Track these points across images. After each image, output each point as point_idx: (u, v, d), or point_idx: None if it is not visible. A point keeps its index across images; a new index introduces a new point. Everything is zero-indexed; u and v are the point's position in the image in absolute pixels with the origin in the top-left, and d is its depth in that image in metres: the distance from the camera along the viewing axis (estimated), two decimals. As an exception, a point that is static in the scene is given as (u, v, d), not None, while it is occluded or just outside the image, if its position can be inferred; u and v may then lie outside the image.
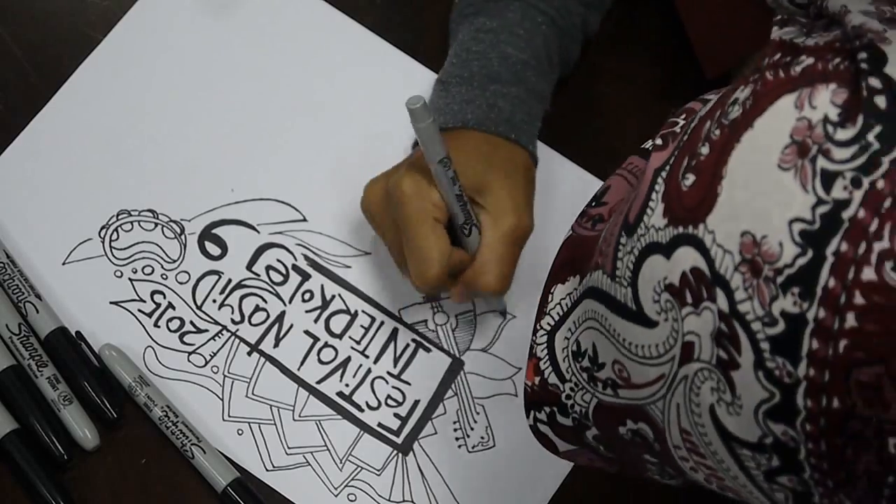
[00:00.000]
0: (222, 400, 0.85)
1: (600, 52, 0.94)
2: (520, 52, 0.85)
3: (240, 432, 0.84)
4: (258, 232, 0.88)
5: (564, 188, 0.90)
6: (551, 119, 0.89)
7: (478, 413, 0.86)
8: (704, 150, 0.49)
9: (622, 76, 0.95)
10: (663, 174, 0.51)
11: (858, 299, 0.44)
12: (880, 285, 0.44)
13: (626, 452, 0.57)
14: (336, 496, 0.83)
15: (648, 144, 0.59)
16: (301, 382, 0.86)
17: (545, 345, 0.59)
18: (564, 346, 0.58)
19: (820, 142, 0.45)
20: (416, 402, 0.86)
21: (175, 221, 0.88)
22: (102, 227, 0.88)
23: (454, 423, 0.85)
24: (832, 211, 0.44)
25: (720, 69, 0.90)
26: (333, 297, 0.87)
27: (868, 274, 0.44)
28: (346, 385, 0.86)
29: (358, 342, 0.87)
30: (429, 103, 0.81)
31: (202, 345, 0.86)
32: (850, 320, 0.44)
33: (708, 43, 0.92)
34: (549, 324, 0.59)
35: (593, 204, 0.61)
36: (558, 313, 0.59)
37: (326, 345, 0.86)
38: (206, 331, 0.86)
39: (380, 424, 0.85)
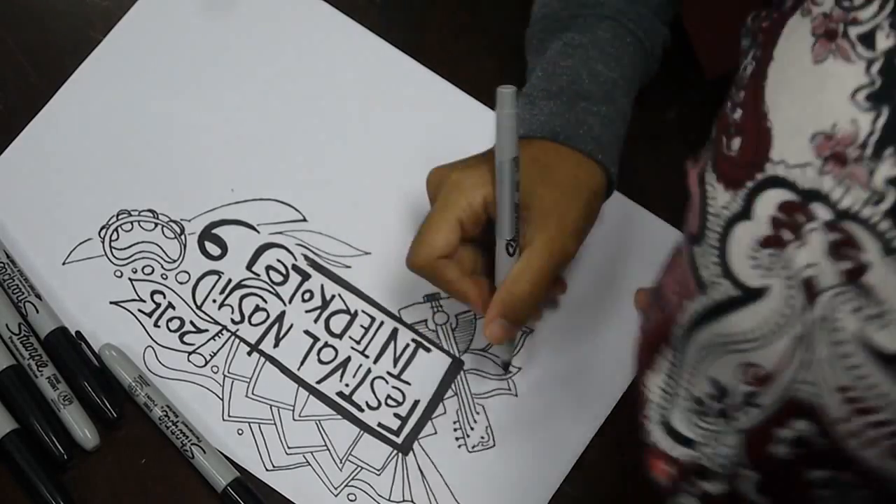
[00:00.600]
0: (222, 400, 0.85)
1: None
2: (610, 71, 0.83)
3: (240, 432, 0.84)
4: (258, 232, 0.88)
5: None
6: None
7: (478, 413, 0.86)
8: (737, 114, 0.49)
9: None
10: (707, 171, 0.51)
11: None
12: None
13: (790, 489, 0.54)
14: (336, 496, 0.83)
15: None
16: (301, 382, 0.86)
17: (663, 433, 0.57)
18: (683, 418, 0.56)
19: (842, 19, 0.45)
20: (416, 402, 0.86)
21: (175, 221, 0.88)
22: (102, 227, 0.88)
23: (454, 422, 0.85)
24: (886, 61, 0.44)
25: (720, 69, 0.90)
26: (333, 296, 0.87)
27: None
28: (346, 385, 0.86)
29: (358, 342, 0.87)
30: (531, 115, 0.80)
31: (202, 345, 0.86)
32: None
33: (708, 43, 0.91)
34: (658, 413, 0.57)
35: (653, 300, 0.60)
36: (664, 398, 0.57)
37: (326, 345, 0.86)
38: (206, 331, 0.86)
39: (380, 424, 0.85)
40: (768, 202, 0.48)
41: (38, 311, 0.84)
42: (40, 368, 0.83)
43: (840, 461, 0.51)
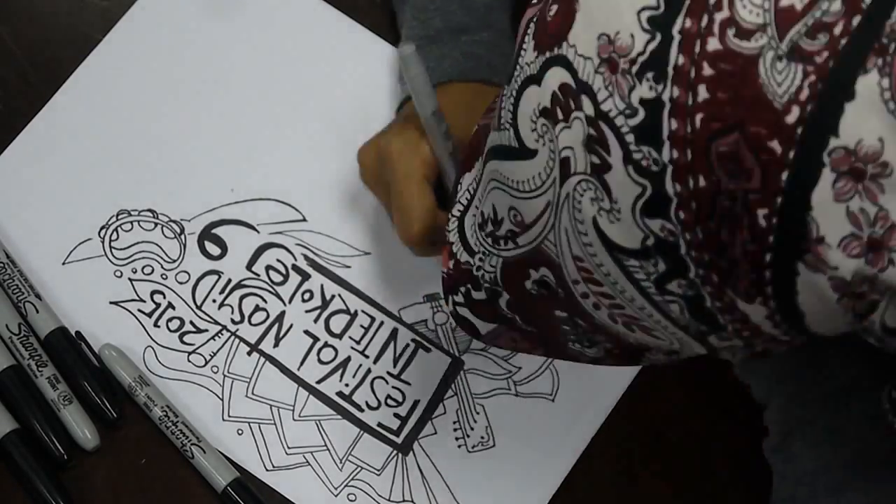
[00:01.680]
0: (222, 400, 0.85)
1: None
2: None
3: (240, 432, 0.84)
4: (258, 232, 0.88)
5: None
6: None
7: (478, 413, 0.86)
8: None
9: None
10: (534, 19, 0.54)
11: (707, 70, 0.46)
12: (725, 53, 0.46)
13: (538, 317, 0.59)
14: (336, 496, 0.83)
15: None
16: (301, 382, 0.86)
17: (456, 229, 0.62)
18: (472, 224, 0.60)
19: None
20: (416, 402, 0.86)
21: (175, 221, 0.88)
22: (102, 227, 0.88)
23: (454, 422, 0.85)
24: None
25: None
26: (333, 296, 0.87)
27: (713, 44, 0.46)
28: (346, 385, 0.86)
29: (358, 342, 0.87)
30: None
31: (202, 345, 0.86)
32: (702, 93, 0.47)
33: None
34: (459, 210, 0.62)
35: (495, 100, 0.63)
36: (466, 198, 0.61)
37: (326, 345, 0.86)
38: (206, 331, 0.86)
39: (380, 424, 0.85)
40: (554, 77, 0.51)
41: (37, 311, 0.84)
42: (40, 368, 0.83)
43: (576, 310, 0.56)
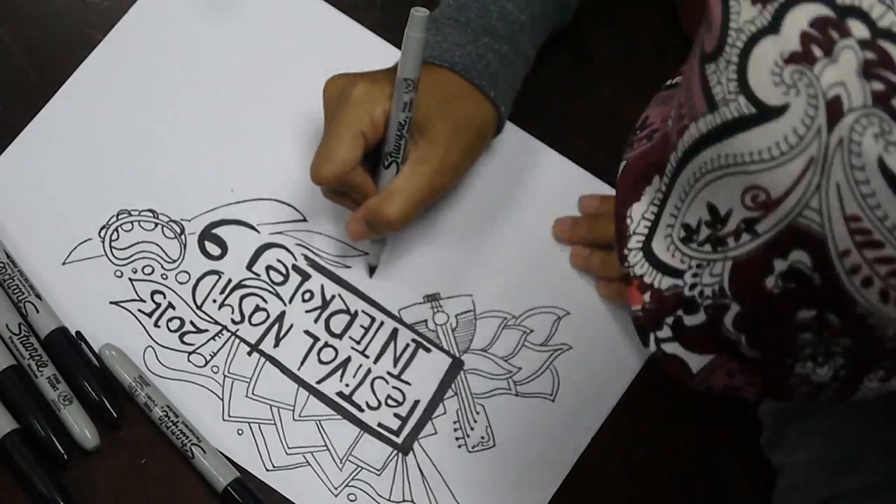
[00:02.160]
0: (222, 400, 0.85)
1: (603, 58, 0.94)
2: (520, 13, 0.85)
3: (240, 432, 0.84)
4: (258, 232, 0.88)
5: (548, 178, 0.90)
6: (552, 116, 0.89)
7: (478, 413, 0.86)
8: None
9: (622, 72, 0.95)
10: None
11: None
12: None
13: (773, 328, 0.53)
14: (336, 496, 0.83)
15: (668, 82, 0.60)
16: (301, 382, 0.85)
17: (642, 260, 0.57)
18: (668, 244, 0.55)
19: None
20: (416, 402, 0.86)
21: (175, 221, 0.88)
22: (102, 227, 0.88)
23: (454, 423, 0.85)
24: None
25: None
26: (333, 297, 0.87)
27: None
28: (346, 385, 0.86)
29: (358, 342, 0.87)
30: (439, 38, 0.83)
31: (202, 345, 0.86)
32: None
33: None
34: (638, 241, 0.57)
35: (638, 131, 0.61)
36: (646, 226, 0.57)
37: (326, 345, 0.86)
38: (206, 331, 0.86)
39: (380, 424, 0.85)
40: (800, 17, 0.46)
41: (38, 311, 0.84)
42: (40, 368, 0.83)
43: (831, 301, 0.50)
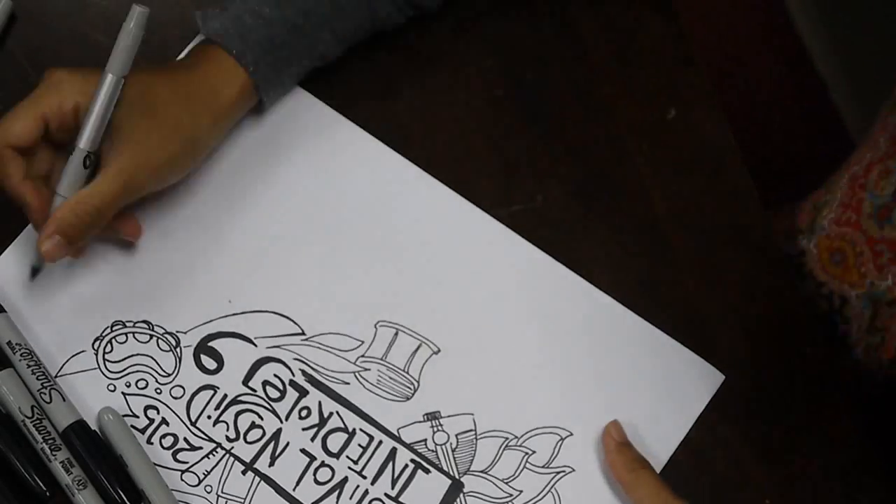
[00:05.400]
0: (215, 520, 0.83)
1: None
2: None
3: (233, 555, 0.82)
4: (255, 345, 0.86)
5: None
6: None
7: (477, 538, 0.84)
8: None
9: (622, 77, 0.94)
10: None
11: None
12: None
13: None
14: None
15: None
16: None
17: None
18: None
19: None
20: (414, 526, 0.84)
21: (171, 333, 0.86)
22: (96, 339, 0.86)
23: (452, 548, 0.83)
24: None
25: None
26: (331, 413, 0.85)
27: None
28: (343, 507, 0.84)
29: (355, 462, 0.84)
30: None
31: (196, 463, 0.84)
32: None
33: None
34: None
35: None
36: None
37: (323, 464, 0.84)
38: (200, 448, 0.84)
39: (376, 549, 0.83)
40: None
41: (64, 400, 0.82)
42: (54, 452, 0.80)
43: None
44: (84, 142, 0.79)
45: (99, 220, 0.79)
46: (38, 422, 0.81)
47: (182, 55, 0.90)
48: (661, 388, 0.87)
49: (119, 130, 0.79)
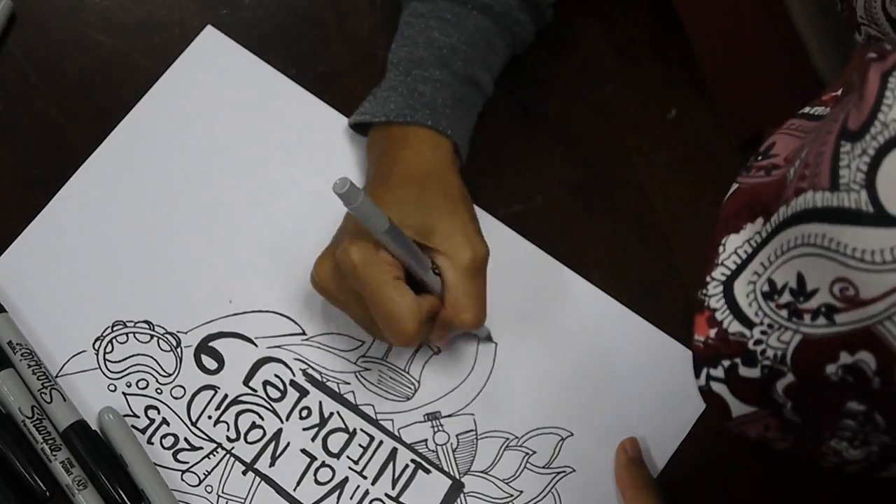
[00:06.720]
0: (216, 520, 0.83)
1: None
2: (447, 37, 0.84)
3: (233, 555, 0.82)
4: (256, 346, 0.86)
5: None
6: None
7: (477, 538, 0.84)
8: None
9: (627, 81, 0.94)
10: (894, 74, 0.48)
11: None
12: None
13: (819, 406, 0.53)
14: None
15: (807, 109, 0.58)
16: (297, 504, 0.84)
17: (720, 295, 0.56)
18: (750, 291, 0.55)
19: None
20: (415, 526, 0.84)
21: (171, 333, 0.86)
22: (97, 339, 0.86)
23: (453, 548, 0.83)
24: None
25: (748, 131, 0.89)
26: (332, 414, 0.85)
27: None
28: (343, 507, 0.84)
29: (356, 462, 0.85)
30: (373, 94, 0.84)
31: (196, 463, 0.84)
32: None
33: (735, 105, 0.91)
34: (723, 274, 0.56)
35: (760, 158, 0.59)
36: (735, 262, 0.56)
37: (323, 464, 0.84)
38: (201, 448, 0.84)
39: (377, 549, 0.83)
40: None
41: (64, 400, 0.82)
42: (54, 452, 0.81)
43: (883, 404, 0.50)
44: (423, 270, 0.79)
45: (478, 304, 0.80)
46: (38, 422, 0.81)
47: (182, 54, 0.90)
48: (662, 387, 0.87)
49: (429, 237, 0.80)
